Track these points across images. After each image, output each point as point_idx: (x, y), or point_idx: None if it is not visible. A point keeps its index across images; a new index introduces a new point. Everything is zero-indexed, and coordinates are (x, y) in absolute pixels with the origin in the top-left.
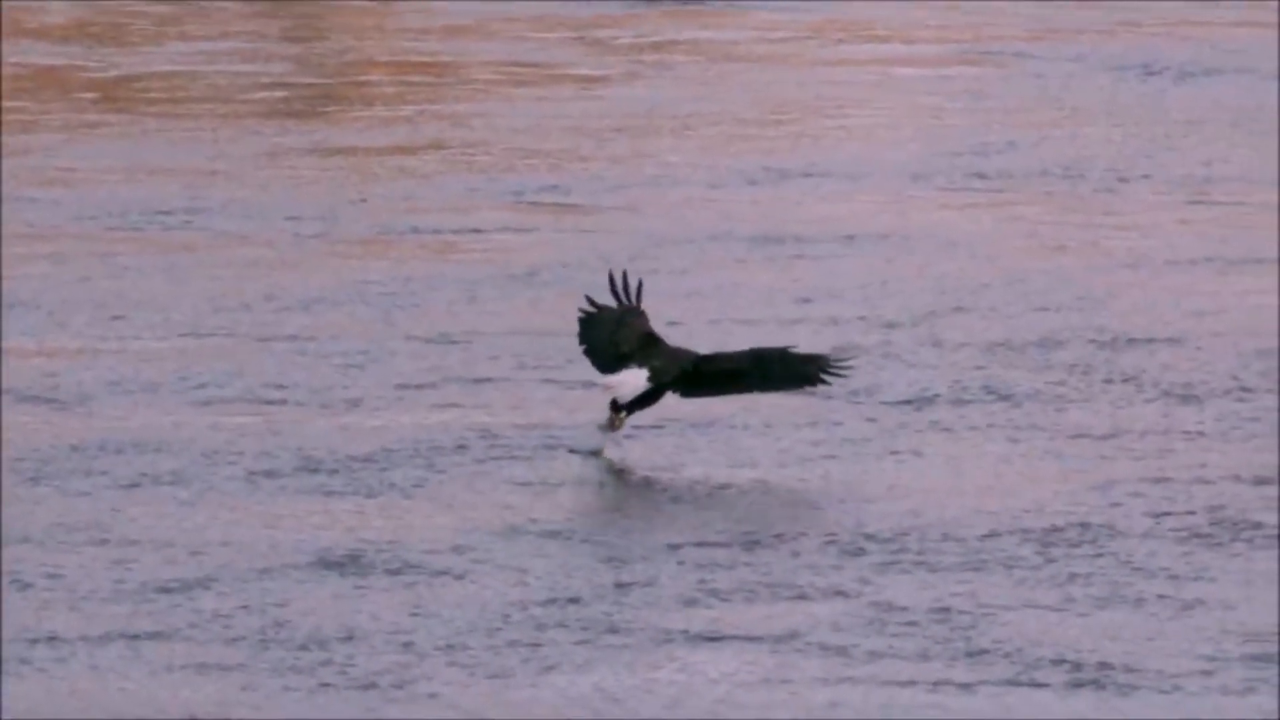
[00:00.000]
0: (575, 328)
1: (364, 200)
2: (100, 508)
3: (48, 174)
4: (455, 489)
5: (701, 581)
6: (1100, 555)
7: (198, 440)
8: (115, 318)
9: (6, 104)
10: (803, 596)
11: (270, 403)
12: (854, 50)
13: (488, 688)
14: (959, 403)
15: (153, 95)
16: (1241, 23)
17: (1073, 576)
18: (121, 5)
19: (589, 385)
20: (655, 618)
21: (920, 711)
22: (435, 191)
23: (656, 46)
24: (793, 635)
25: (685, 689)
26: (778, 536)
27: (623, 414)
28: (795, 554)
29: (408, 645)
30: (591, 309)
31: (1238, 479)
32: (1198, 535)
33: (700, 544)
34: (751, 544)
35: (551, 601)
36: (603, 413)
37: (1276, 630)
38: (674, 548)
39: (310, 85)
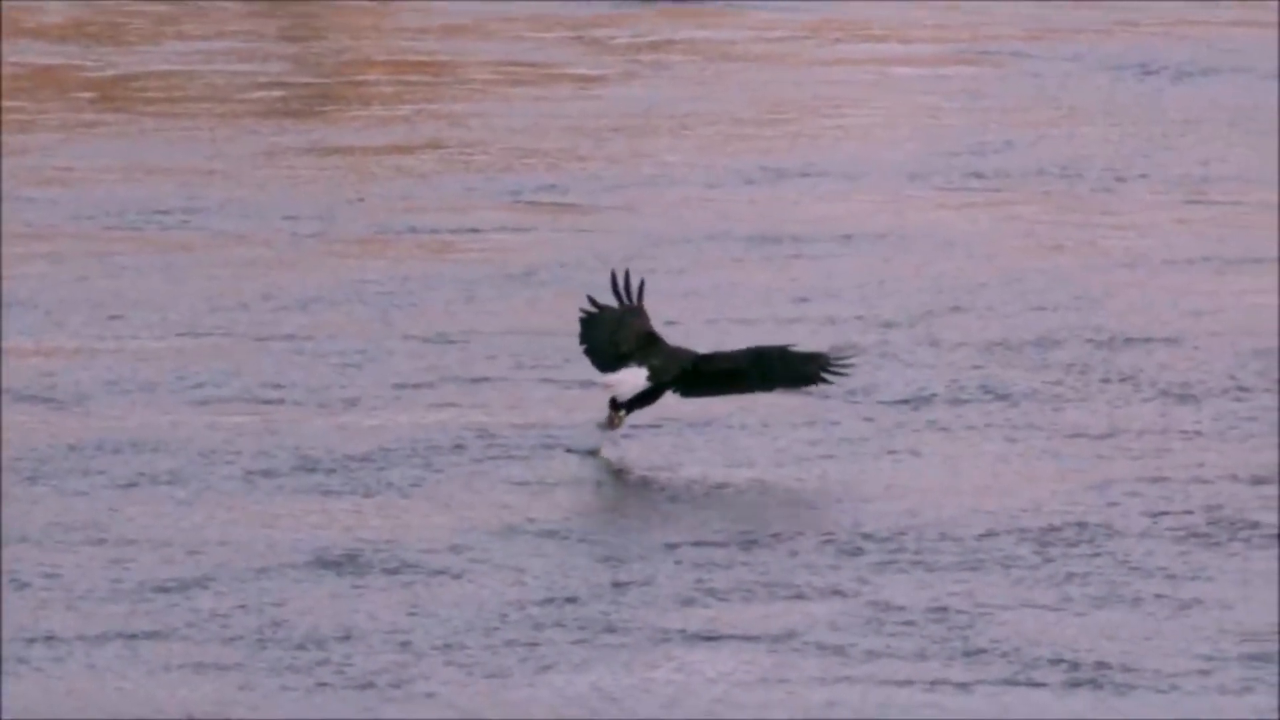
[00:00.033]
0: (573, 327)
1: (361, 200)
2: (98, 507)
3: (45, 173)
4: (453, 488)
5: (699, 581)
6: (1098, 555)
7: (195, 440)
8: (113, 317)
9: (4, 104)
10: (800, 596)
11: (268, 402)
12: (851, 50)
13: (485, 687)
14: (956, 402)
15: (150, 95)
16: (1239, 22)
17: (1070, 576)
18: (119, 5)
19: (587, 385)
20: (653, 617)
21: (917, 711)
22: (433, 191)
23: (654, 46)
24: (790, 635)
25: (682, 688)
26: (775, 536)
27: (622, 412)
28: (793, 553)
29: (405, 645)
30: (593, 309)
31: (1235, 478)
32: (1195, 535)
33: (698, 543)
34: (749, 543)
35: (549, 601)
36: (601, 411)
37: (1274, 630)
38: (671, 547)
39: (308, 85)
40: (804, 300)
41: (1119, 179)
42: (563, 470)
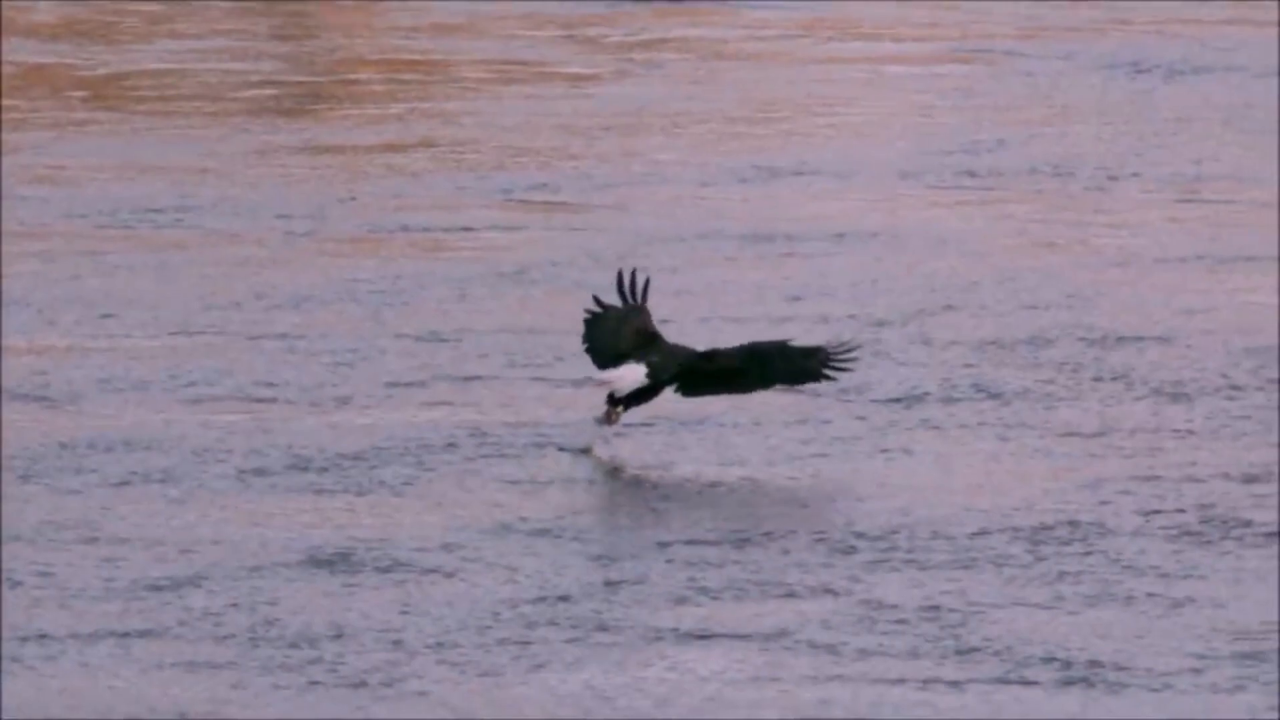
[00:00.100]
0: (566, 325)
1: (354, 198)
2: (90, 506)
3: (37, 172)
4: (445, 487)
5: (691, 579)
6: (1090, 553)
7: (188, 438)
8: (105, 316)
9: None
10: (792, 594)
11: (260, 401)
12: (844, 48)
13: (478, 686)
14: (949, 401)
15: (142, 93)
16: (1231, 21)
17: (1062, 574)
18: (111, 3)
19: (580, 383)
20: (645, 616)
21: (910, 710)
22: (425, 189)
23: (646, 44)
24: (782, 633)
25: (675, 687)
26: (767, 534)
27: (619, 408)
28: (785, 552)
29: (397, 643)
30: (597, 309)
31: (1227, 477)
32: (1187, 533)
33: (690, 542)
34: (741, 542)
35: (541, 599)
36: (598, 408)
37: (1266, 628)
38: (664, 545)
39: (300, 83)
40: (797, 299)
41: (1111, 177)
42: (555, 469)
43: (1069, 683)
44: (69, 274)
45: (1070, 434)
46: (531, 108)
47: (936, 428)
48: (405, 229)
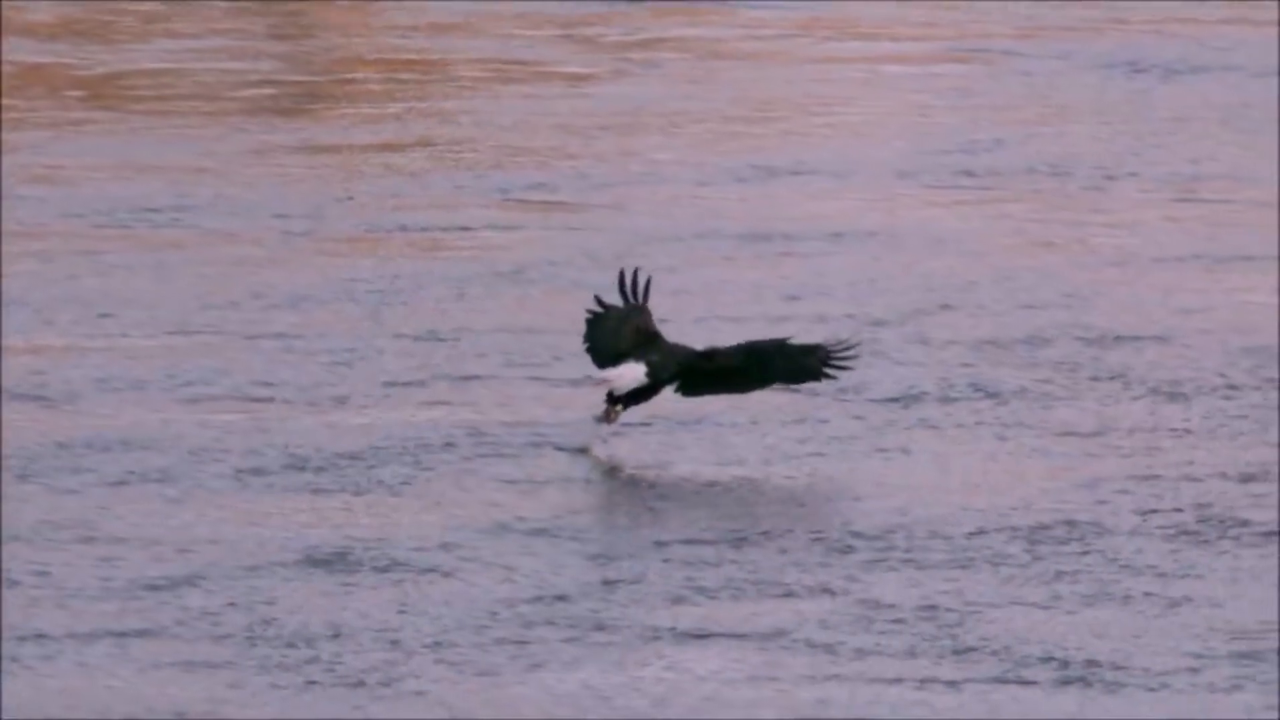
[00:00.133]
0: (563, 324)
1: (351, 198)
2: (88, 505)
3: (35, 171)
4: (443, 486)
5: (689, 579)
6: (1087, 553)
7: (185, 438)
8: (103, 315)
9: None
10: (790, 594)
11: (258, 400)
12: (841, 48)
13: (475, 685)
14: (946, 400)
15: (140, 93)
16: (1229, 20)
17: (1060, 574)
18: (108, 3)
19: (577, 383)
20: (642, 615)
21: (907, 709)
22: (422, 189)
23: (644, 44)
24: (780, 633)
25: (672, 686)
26: (765, 534)
27: (619, 407)
28: (783, 551)
29: (395, 643)
30: (599, 309)
31: (1225, 476)
32: (1185, 532)
33: (687, 541)
34: (739, 541)
35: (539, 599)
36: (595, 408)
37: (1263, 628)
38: (661, 545)
39: (297, 83)
40: (794, 298)
41: (1109, 177)
42: (553, 468)
43: (1066, 682)
44: (66, 273)
45: (1068, 433)
46: (529, 107)
47: (934, 427)
48: (403, 228)
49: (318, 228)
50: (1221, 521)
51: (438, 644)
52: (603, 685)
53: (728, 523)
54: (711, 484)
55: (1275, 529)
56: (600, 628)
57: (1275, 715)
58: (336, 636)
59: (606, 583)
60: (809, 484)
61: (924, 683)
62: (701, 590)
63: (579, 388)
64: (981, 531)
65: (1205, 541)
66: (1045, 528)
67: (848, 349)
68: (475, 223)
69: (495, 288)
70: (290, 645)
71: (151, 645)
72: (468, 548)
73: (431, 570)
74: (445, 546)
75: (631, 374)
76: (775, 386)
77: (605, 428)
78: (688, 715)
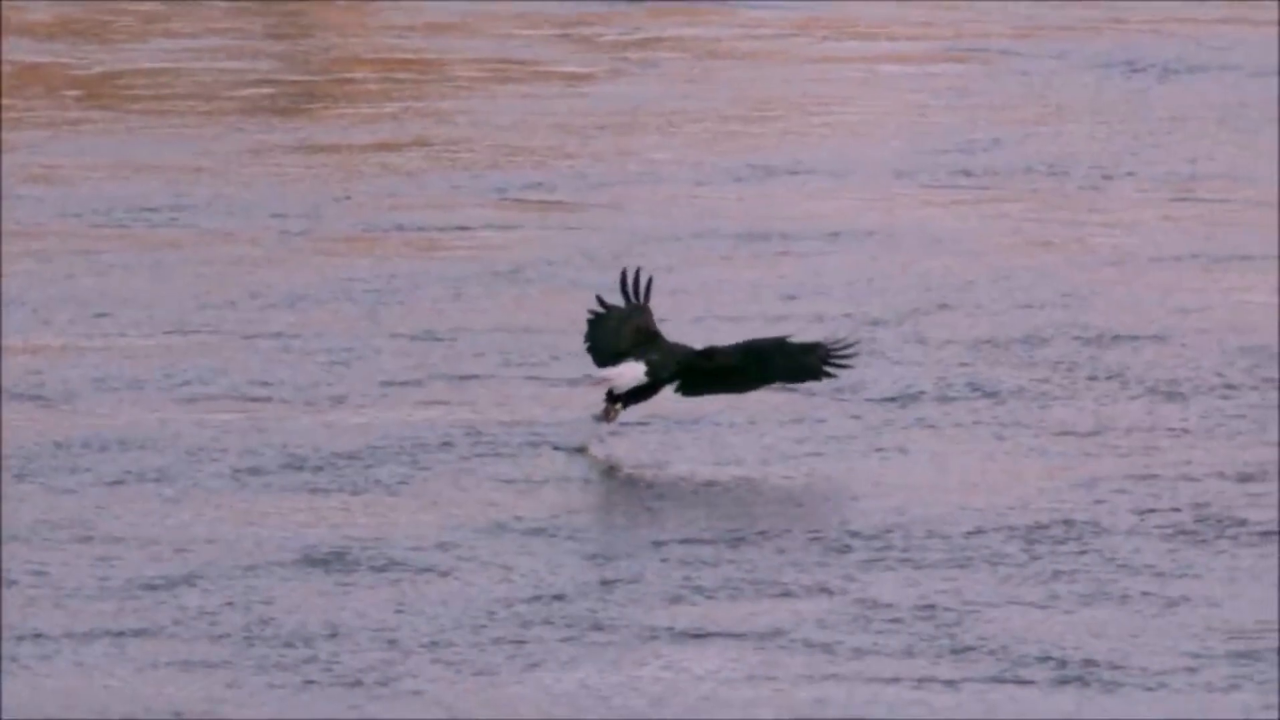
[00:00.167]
0: (561, 324)
1: (348, 197)
2: (85, 505)
3: (32, 171)
4: (440, 486)
5: (686, 579)
6: (1085, 552)
7: (182, 437)
8: (100, 315)
9: None
10: (788, 594)
11: (255, 400)
12: (839, 47)
13: (473, 685)
14: (944, 400)
15: (137, 92)
16: (1226, 20)
17: (1057, 573)
18: (106, 2)
19: (575, 382)
20: (640, 615)
21: (905, 709)
22: (420, 188)
23: (642, 43)
24: (777, 632)
25: (670, 686)
26: (763, 533)
27: (618, 405)
28: (780, 551)
29: (392, 642)
30: (601, 309)
31: (1222, 476)
32: (1183, 532)
33: (685, 541)
34: (736, 541)
35: (536, 599)
36: (594, 407)
37: (1261, 627)
38: (659, 545)
39: (295, 82)
40: (792, 298)
41: (1106, 176)
42: (550, 468)
43: (1064, 682)
44: (64, 273)
45: (1065, 433)
46: (526, 107)
47: (931, 427)
48: (400, 228)
49: (315, 227)
50: (1219, 521)
51: (435, 643)
52: (600, 685)
53: (725, 522)
54: (709, 484)
55: (1273, 529)
56: (598, 627)
57: (1274, 715)
58: (334, 636)
59: (604, 582)
60: (806, 484)
61: (921, 682)
62: (699, 590)
63: (576, 387)
64: (979, 531)
65: (1203, 541)
66: (1043, 527)
67: (847, 347)
68: (473, 222)
69: (493, 287)
70: (288, 645)
71: (149, 645)
72: (465, 547)
73: (429, 570)
74: (442, 546)
75: (631, 373)
76: (774, 385)
77: (604, 427)
78: (685, 715)
